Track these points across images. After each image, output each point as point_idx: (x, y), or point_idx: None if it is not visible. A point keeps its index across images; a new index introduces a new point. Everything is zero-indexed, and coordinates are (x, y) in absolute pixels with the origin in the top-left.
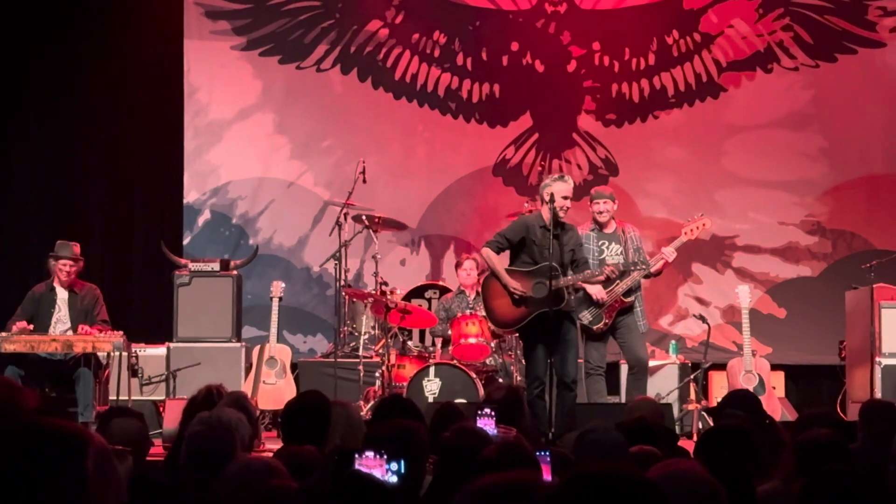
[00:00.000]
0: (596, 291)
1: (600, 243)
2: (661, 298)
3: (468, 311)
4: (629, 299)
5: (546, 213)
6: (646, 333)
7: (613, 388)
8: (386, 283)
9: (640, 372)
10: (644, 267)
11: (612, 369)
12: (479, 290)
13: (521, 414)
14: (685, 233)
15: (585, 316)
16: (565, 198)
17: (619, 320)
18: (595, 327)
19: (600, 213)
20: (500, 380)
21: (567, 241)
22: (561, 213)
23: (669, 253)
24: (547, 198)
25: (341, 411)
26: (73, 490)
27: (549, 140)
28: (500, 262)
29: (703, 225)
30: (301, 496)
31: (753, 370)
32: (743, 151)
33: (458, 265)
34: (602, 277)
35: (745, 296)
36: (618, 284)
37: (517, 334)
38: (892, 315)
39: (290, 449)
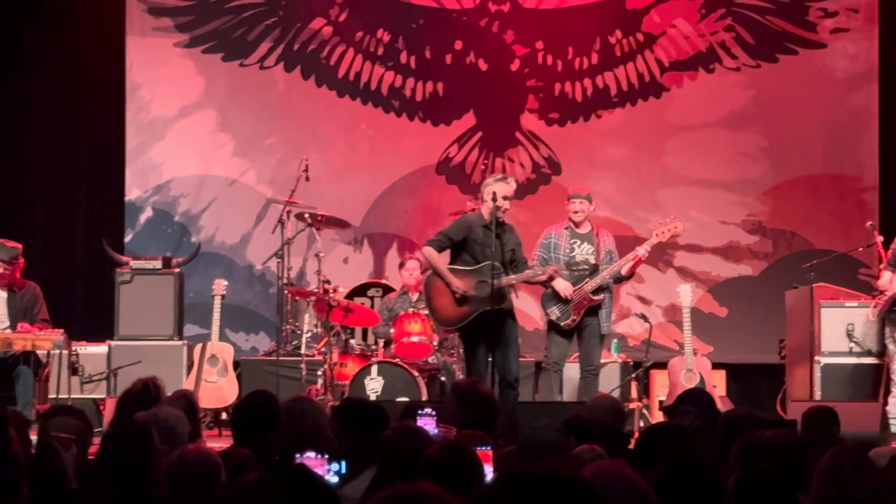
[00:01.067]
0: (563, 288)
1: (572, 242)
2: None
3: (411, 310)
4: (598, 297)
5: (487, 213)
6: (607, 336)
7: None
8: (328, 282)
9: (591, 376)
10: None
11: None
12: (422, 288)
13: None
14: (656, 234)
15: (553, 311)
16: (506, 198)
17: (585, 320)
18: (563, 323)
19: (576, 212)
20: (443, 378)
21: (507, 240)
22: (500, 213)
23: (643, 252)
24: (489, 197)
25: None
26: None
27: (493, 139)
28: (443, 260)
29: (675, 228)
30: (241, 495)
31: (694, 369)
32: (685, 151)
33: (401, 265)
34: (544, 277)
35: (686, 295)
36: (587, 282)
37: (459, 333)
38: (832, 314)
39: (228, 451)
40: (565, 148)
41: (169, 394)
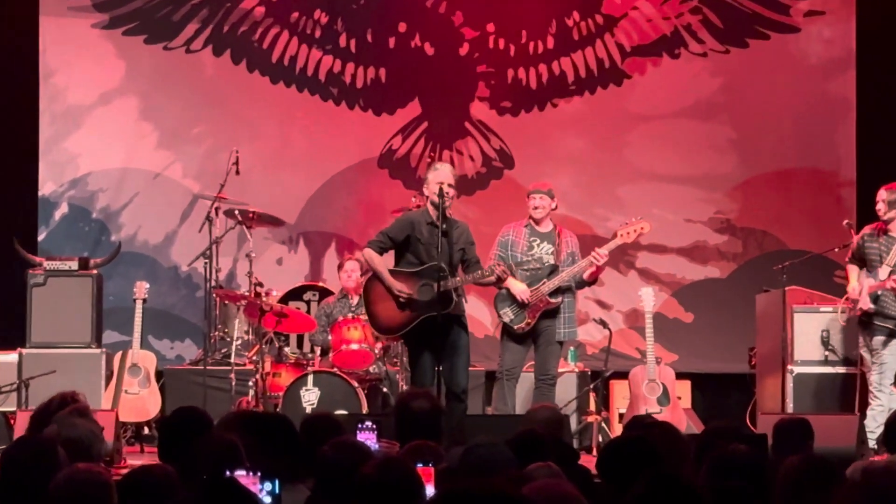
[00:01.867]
0: (519, 291)
1: (531, 240)
2: None
3: (350, 316)
4: (556, 300)
5: (434, 209)
6: (565, 343)
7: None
8: (261, 284)
9: (546, 385)
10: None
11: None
12: (362, 292)
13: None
14: (620, 235)
15: (507, 313)
16: (440, 183)
17: (541, 324)
18: (516, 326)
19: (535, 208)
20: (385, 389)
21: (457, 238)
22: (447, 202)
23: (601, 255)
24: (434, 191)
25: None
26: None
27: (440, 129)
28: (383, 263)
29: (642, 229)
30: None
31: (657, 379)
32: (647, 143)
33: (340, 266)
34: (492, 278)
35: (648, 299)
36: (543, 283)
37: (402, 340)
38: (805, 320)
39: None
40: (518, 139)
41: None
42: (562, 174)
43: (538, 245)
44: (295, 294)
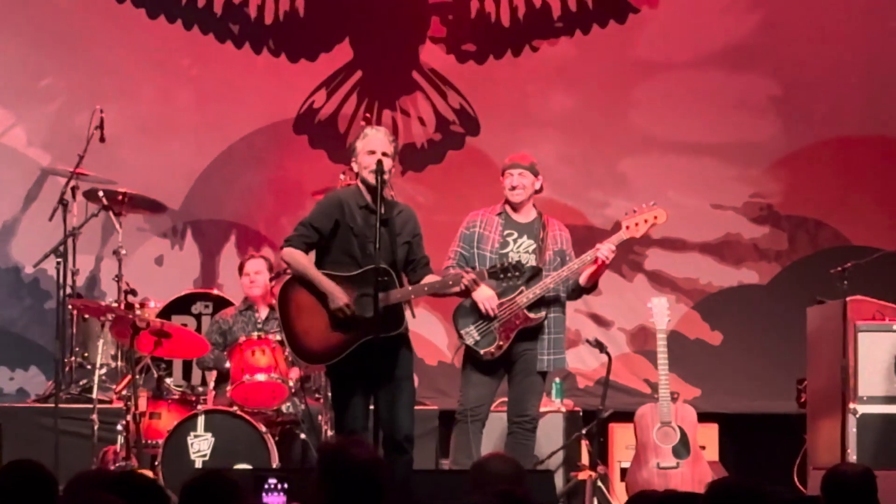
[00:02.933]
0: (485, 299)
1: (507, 234)
2: None
3: (256, 335)
4: (537, 315)
5: (367, 190)
6: (549, 374)
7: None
8: (134, 292)
9: (523, 431)
10: (517, 272)
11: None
12: (275, 303)
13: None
14: (626, 227)
15: (470, 333)
16: (372, 153)
17: (517, 348)
18: (483, 351)
19: (513, 189)
20: (303, 435)
21: (400, 228)
22: (370, 178)
23: (606, 251)
24: (367, 164)
25: None
26: None
27: (378, 81)
28: (310, 261)
29: (655, 219)
30: None
31: (673, 422)
32: (659, 101)
33: (241, 267)
34: (457, 288)
35: (661, 312)
36: (521, 292)
37: (327, 370)
38: (874, 342)
39: None
40: (485, 95)
41: None
42: (544, 143)
43: (515, 241)
44: (181, 305)
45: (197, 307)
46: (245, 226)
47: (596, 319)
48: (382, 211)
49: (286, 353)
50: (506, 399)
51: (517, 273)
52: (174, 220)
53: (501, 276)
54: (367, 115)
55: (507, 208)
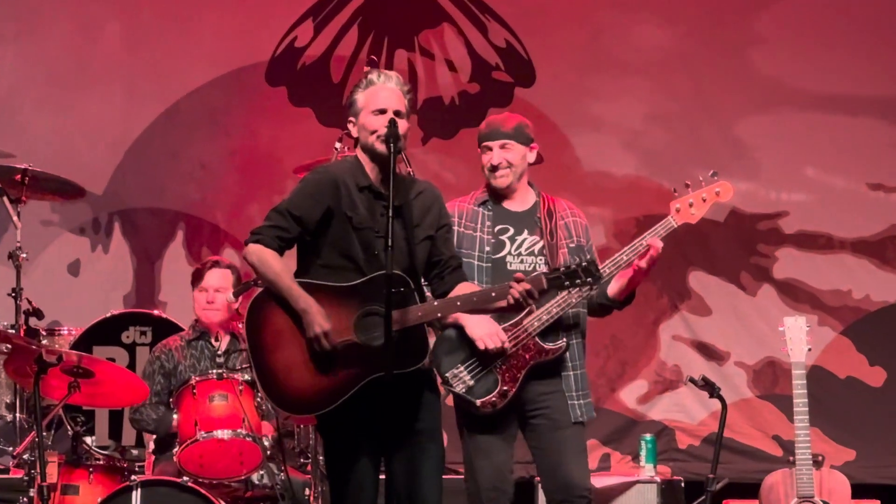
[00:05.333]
0: (486, 336)
1: (498, 229)
2: (620, 344)
3: (214, 374)
4: (554, 345)
5: (372, 161)
6: (586, 424)
7: None
8: (39, 314)
9: None
10: (590, 278)
11: (524, 489)
12: (243, 328)
13: None
14: (676, 210)
15: (460, 377)
16: (381, 112)
17: (531, 393)
18: (479, 402)
19: (494, 169)
20: None
21: (420, 215)
22: (380, 147)
23: (650, 247)
24: (373, 126)
25: None
26: None
27: (389, 9)
28: (289, 270)
29: (717, 195)
30: None
31: (816, 497)
32: (792, 36)
33: (196, 277)
34: (502, 304)
35: (798, 340)
36: (528, 312)
37: (318, 424)
38: None
39: None
40: (542, 29)
41: None
42: (625, 98)
43: (512, 238)
44: (107, 332)
45: (130, 335)
46: (197, 217)
47: (703, 350)
48: (394, 194)
49: (258, 399)
50: (533, 461)
51: (590, 279)
52: (96, 209)
53: (568, 283)
54: (373, 57)
55: (488, 196)
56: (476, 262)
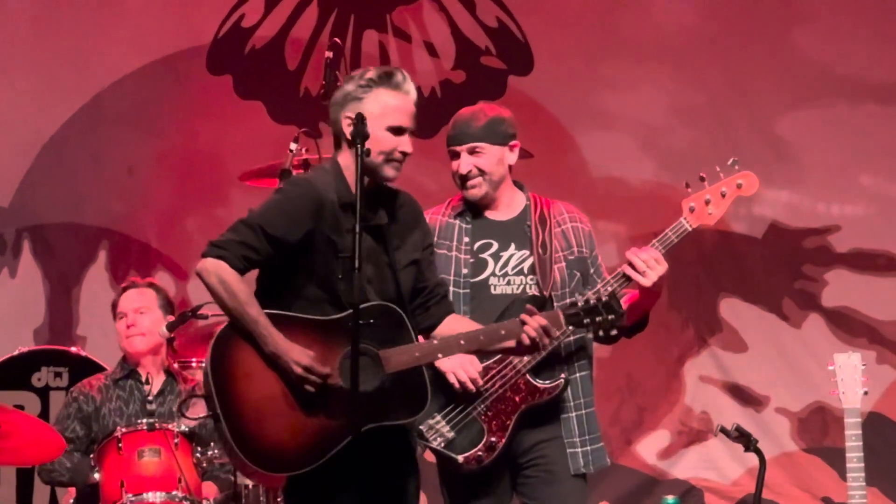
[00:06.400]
0: (456, 368)
1: (478, 245)
2: (637, 386)
3: (145, 423)
4: (549, 384)
5: (351, 170)
6: (600, 475)
7: None
8: None
9: None
10: (612, 316)
11: None
12: (206, 368)
13: None
14: (690, 209)
15: (437, 428)
16: (398, 130)
17: (525, 441)
18: (461, 457)
19: (464, 179)
20: None
21: (403, 234)
22: (390, 172)
23: (648, 263)
24: (384, 145)
25: None
26: None
27: None
28: (250, 294)
29: (738, 188)
30: None
31: None
32: (846, 19)
33: (113, 306)
34: (510, 344)
35: (853, 379)
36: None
37: (285, 490)
38: None
39: None
40: (542, 6)
41: None
42: (644, 87)
43: (496, 255)
44: (13, 373)
45: (42, 376)
46: (124, 235)
47: (736, 393)
48: (374, 210)
49: (197, 455)
50: None
51: (612, 317)
52: (0, 224)
53: (588, 322)
54: (337, 40)
55: (463, 206)
56: (451, 288)
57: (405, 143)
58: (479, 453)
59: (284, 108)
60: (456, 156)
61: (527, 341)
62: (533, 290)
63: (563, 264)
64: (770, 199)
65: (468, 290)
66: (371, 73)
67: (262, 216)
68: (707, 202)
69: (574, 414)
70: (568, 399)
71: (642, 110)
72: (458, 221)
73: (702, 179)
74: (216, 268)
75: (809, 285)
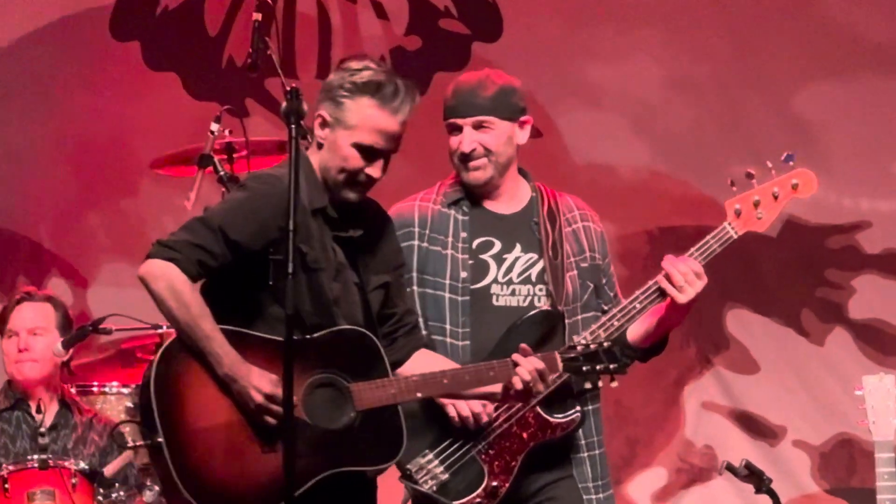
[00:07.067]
0: (460, 401)
1: (477, 243)
2: (628, 414)
3: (35, 460)
4: (563, 418)
5: (325, 172)
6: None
7: None
8: None
9: None
10: (613, 365)
11: None
12: (149, 389)
13: None
14: (735, 212)
15: (429, 469)
16: (371, 154)
17: (532, 485)
18: (461, 503)
19: (465, 159)
20: None
21: (372, 250)
22: (350, 195)
23: (687, 273)
24: (346, 162)
25: None
26: None
27: None
28: (205, 306)
29: (794, 189)
30: None
31: None
32: None
33: (1, 317)
34: (498, 387)
35: (885, 407)
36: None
37: None
38: None
39: None
40: None
41: None
42: (634, 57)
43: (499, 257)
44: None
45: None
46: (10, 232)
47: (746, 423)
48: (347, 218)
49: (99, 497)
50: None
51: (613, 366)
52: None
53: (587, 369)
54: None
55: (459, 191)
56: (447, 295)
57: (374, 168)
58: (479, 499)
59: (204, 81)
60: (456, 130)
61: (519, 386)
62: (542, 304)
63: (576, 272)
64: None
65: (468, 298)
66: (361, 77)
67: (222, 216)
68: (756, 204)
69: (587, 454)
70: (579, 437)
71: (633, 84)
72: (452, 211)
73: (749, 177)
74: (165, 272)
75: (833, 294)
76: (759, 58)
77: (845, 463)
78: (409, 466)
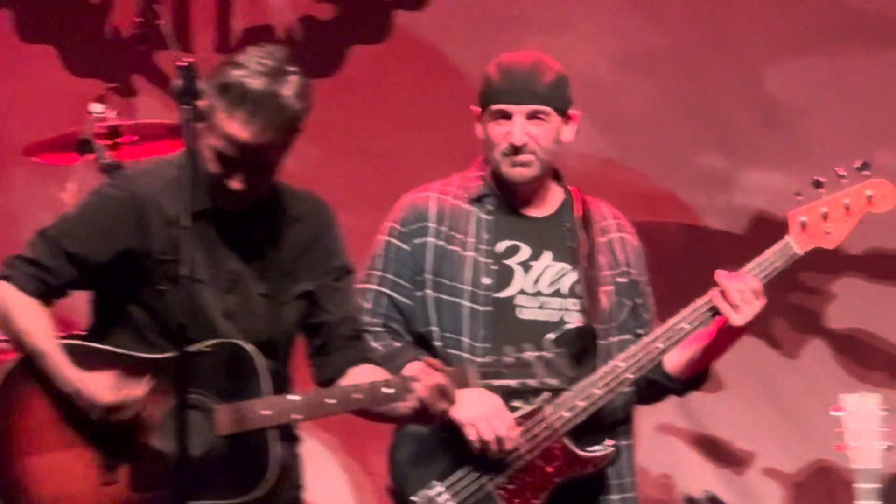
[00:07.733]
0: (478, 420)
1: (504, 248)
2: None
3: None
4: (596, 453)
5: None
6: None
7: None
8: None
9: None
10: (556, 380)
11: None
12: None
13: None
14: (802, 224)
15: (440, 503)
16: (231, 163)
17: None
18: None
19: (513, 153)
20: None
21: (293, 255)
22: (221, 201)
23: (747, 291)
24: (211, 165)
25: None
26: None
27: None
28: (44, 326)
29: (868, 201)
30: None
31: None
32: None
33: None
34: (400, 406)
35: (868, 429)
36: (560, 395)
37: None
38: None
39: None
40: None
41: None
42: (591, 30)
43: (526, 264)
44: None
45: None
46: None
47: (709, 449)
48: (237, 216)
49: None
50: None
51: (556, 383)
52: None
53: (518, 386)
54: None
55: (494, 184)
56: (467, 303)
57: (235, 180)
58: None
59: (85, 55)
60: (504, 117)
61: (418, 405)
62: (574, 320)
63: (612, 288)
64: (755, 182)
65: (490, 309)
66: (229, 76)
67: (61, 227)
68: (824, 216)
69: (619, 496)
70: (610, 476)
71: (580, 59)
72: (475, 209)
73: (818, 185)
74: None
75: (809, 300)
76: (725, 29)
77: (823, 494)
78: (414, 499)
